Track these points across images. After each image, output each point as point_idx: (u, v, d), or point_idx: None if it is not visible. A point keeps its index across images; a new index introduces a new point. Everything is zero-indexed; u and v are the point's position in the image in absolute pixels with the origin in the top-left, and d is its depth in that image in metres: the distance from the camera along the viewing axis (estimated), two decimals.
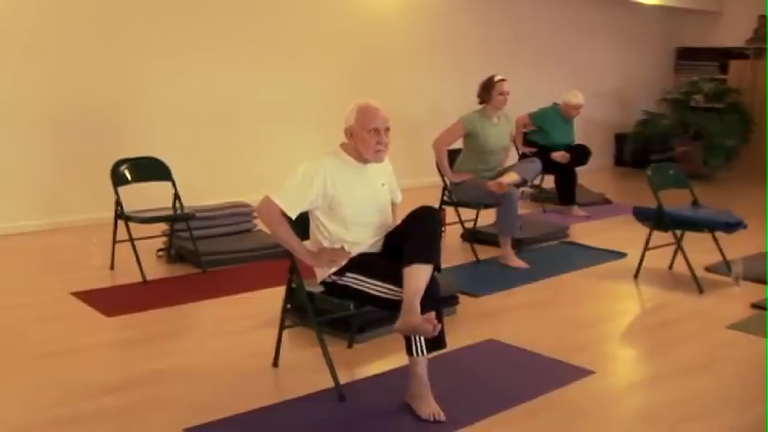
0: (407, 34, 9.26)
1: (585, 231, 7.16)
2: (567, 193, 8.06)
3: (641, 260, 5.64)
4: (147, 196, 5.68)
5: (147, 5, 7.23)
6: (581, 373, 3.88)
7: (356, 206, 3.55)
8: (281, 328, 3.87)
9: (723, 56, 12.00)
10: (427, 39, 9.44)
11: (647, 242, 5.58)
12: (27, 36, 6.67)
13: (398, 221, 3.66)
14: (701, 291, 5.31)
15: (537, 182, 8.33)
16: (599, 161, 10.63)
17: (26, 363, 3.99)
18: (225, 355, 4.11)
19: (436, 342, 3.36)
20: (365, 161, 3.59)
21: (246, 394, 3.59)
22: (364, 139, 3.52)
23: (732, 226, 5.37)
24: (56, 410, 3.43)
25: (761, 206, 8.50)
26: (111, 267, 5.65)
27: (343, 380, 3.61)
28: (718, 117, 10.64)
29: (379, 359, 4.05)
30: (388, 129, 3.55)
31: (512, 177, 5.88)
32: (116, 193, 5.49)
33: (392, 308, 3.35)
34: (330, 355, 3.61)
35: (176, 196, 5.74)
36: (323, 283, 3.65)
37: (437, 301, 3.40)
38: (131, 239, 5.45)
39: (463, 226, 6.42)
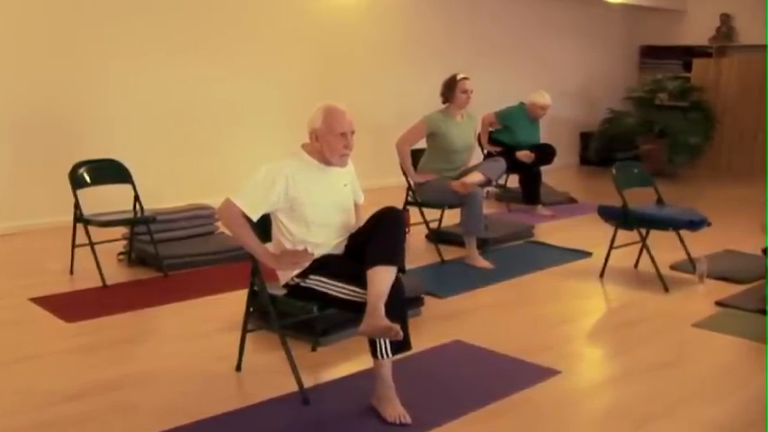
0: (371, 34, 9.21)
1: (551, 231, 7.17)
2: (531, 192, 8.07)
3: (607, 259, 5.65)
4: (107, 199, 5.60)
5: (104, 5, 7.12)
6: (547, 373, 3.87)
7: (318, 207, 3.52)
8: (244, 331, 3.83)
9: (687, 54, 12.12)
10: (391, 38, 9.40)
11: (613, 241, 5.59)
12: None
13: (362, 222, 3.63)
14: (666, 289, 5.33)
15: (502, 181, 8.33)
16: (564, 160, 10.67)
17: None
18: (188, 360, 4.05)
19: (401, 344, 3.33)
20: (328, 162, 3.56)
21: (210, 399, 3.54)
22: (331, 143, 3.50)
23: (696, 224, 5.40)
24: (16, 418, 3.36)
25: (725, 203, 8.60)
26: (71, 272, 5.55)
27: (307, 383, 3.58)
28: (682, 115, 10.71)
29: (344, 362, 4.02)
30: (353, 132, 3.54)
31: (476, 177, 5.85)
32: (75, 196, 5.40)
33: (356, 310, 3.33)
34: (294, 358, 3.57)
35: (136, 199, 5.65)
36: (286, 285, 3.62)
37: (403, 306, 3.38)
38: (91, 243, 5.35)
39: (428, 226, 6.39)
